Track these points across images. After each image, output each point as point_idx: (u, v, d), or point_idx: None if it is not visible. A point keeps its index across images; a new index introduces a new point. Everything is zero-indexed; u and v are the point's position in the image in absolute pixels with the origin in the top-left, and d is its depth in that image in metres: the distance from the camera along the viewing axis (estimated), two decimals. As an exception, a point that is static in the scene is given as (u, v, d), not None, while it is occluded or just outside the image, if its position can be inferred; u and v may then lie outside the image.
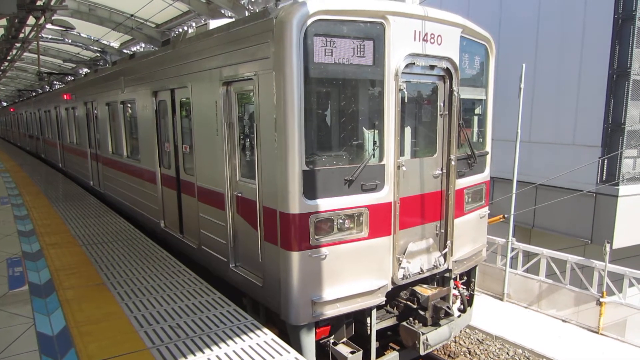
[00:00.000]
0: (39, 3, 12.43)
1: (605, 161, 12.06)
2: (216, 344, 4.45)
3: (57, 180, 15.36)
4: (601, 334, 9.02)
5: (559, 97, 13.47)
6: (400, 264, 5.55)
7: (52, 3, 13.04)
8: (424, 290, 5.84)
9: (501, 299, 10.59)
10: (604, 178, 12.16)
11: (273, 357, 4.25)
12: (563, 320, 9.58)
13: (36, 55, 20.07)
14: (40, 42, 19.84)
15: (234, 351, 4.33)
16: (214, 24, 6.51)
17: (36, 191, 12.81)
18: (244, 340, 4.55)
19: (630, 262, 11.48)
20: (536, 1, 14.08)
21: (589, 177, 12.13)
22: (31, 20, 14.22)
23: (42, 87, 32.72)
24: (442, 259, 6.05)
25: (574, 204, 11.91)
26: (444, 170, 5.99)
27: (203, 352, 4.28)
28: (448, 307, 5.83)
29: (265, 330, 4.81)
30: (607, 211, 12.04)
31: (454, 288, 6.54)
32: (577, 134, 13.01)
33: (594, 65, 12.47)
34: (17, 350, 4.28)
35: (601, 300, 9.11)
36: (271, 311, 5.46)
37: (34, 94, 30.81)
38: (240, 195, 5.80)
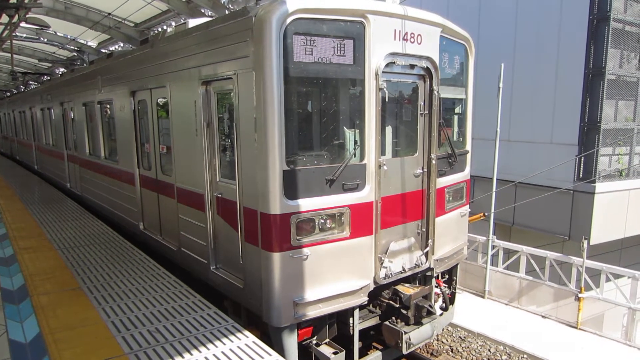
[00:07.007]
0: (12, 0, 12.09)
1: (582, 159, 12.30)
2: (196, 347, 4.37)
3: (32, 183, 14.97)
4: (580, 328, 9.18)
5: (537, 97, 13.70)
6: (382, 263, 5.54)
7: (25, 1, 12.70)
8: (406, 289, 5.85)
9: (482, 297, 10.71)
10: (581, 176, 12.40)
11: (254, 360, 4.20)
12: (543, 316, 9.73)
13: (10, 54, 19.56)
14: (14, 41, 19.34)
15: (214, 355, 4.26)
16: (193, 22, 6.41)
17: (10, 194, 12.45)
18: (224, 344, 4.47)
19: (606, 258, 11.73)
20: (514, 1, 14.29)
21: (567, 175, 12.36)
22: (4, 18, 13.83)
23: (16, 87, 31.92)
24: (423, 258, 6.07)
25: (553, 201, 12.12)
26: (425, 169, 6.01)
27: (182, 357, 4.20)
28: (430, 305, 5.85)
29: (247, 332, 4.75)
30: (585, 208, 12.28)
31: (436, 286, 6.57)
32: (555, 132, 13.25)
33: (570, 65, 12.72)
34: (-12, 359, 4.14)
35: (579, 295, 9.27)
36: (253, 313, 5.39)
37: (8, 94, 30.01)
38: (220, 196, 5.72)
